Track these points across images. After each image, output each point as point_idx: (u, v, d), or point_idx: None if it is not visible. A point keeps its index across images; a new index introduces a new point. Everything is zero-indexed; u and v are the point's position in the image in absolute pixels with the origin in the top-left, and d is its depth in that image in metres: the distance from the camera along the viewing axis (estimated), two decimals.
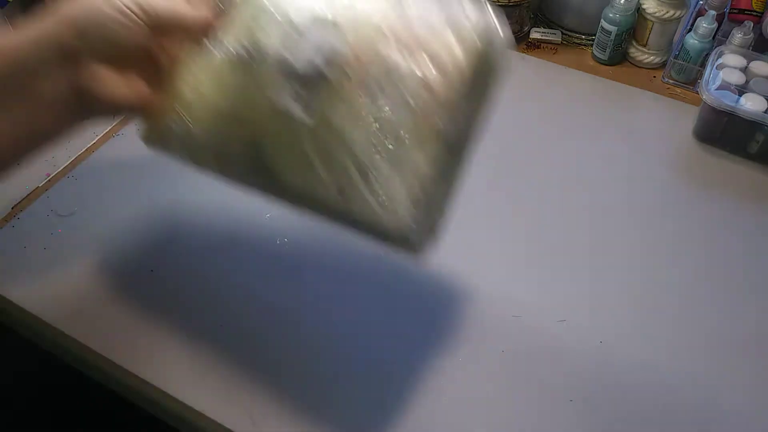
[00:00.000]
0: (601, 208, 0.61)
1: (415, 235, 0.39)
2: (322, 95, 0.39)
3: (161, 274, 0.55)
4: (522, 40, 0.78)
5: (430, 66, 0.37)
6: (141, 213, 0.59)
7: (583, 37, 0.77)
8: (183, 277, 0.54)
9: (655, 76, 0.74)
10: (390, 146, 0.38)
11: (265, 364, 0.50)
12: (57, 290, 0.54)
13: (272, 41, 0.40)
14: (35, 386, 0.72)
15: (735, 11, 0.72)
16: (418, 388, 0.48)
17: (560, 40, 0.77)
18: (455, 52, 0.37)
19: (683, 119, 0.69)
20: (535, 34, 0.77)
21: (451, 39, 0.37)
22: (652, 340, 0.52)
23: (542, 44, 0.77)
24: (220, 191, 0.61)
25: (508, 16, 0.75)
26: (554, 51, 0.77)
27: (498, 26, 0.39)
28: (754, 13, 0.71)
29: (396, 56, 0.38)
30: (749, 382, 0.49)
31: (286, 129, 0.39)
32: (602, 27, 0.72)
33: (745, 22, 0.68)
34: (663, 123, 0.69)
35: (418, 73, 0.37)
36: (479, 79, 0.39)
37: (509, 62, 0.41)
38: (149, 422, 0.52)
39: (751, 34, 0.68)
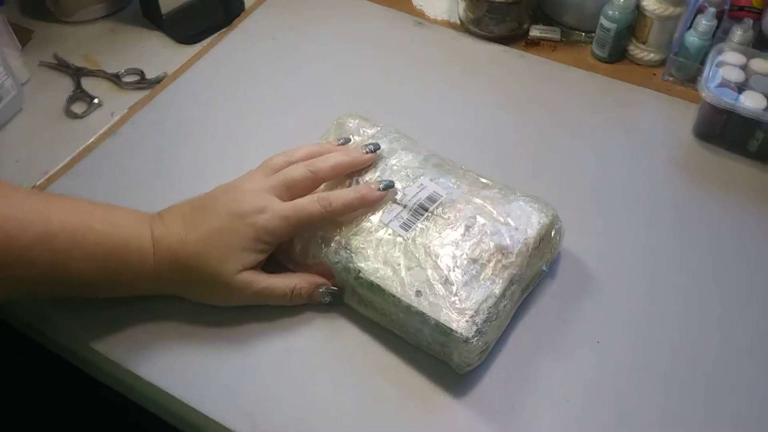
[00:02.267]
0: (598, 206, 0.61)
1: (476, 339, 0.45)
2: (420, 220, 0.50)
3: None
4: (521, 38, 0.77)
5: (506, 236, 0.49)
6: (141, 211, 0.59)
7: (583, 34, 0.77)
8: None
9: (654, 74, 0.73)
10: (468, 267, 0.48)
11: (264, 363, 0.50)
12: None
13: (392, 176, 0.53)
14: (34, 383, 0.72)
15: (735, 8, 0.71)
16: (413, 386, 0.48)
17: (559, 37, 0.77)
18: (529, 230, 0.50)
19: (683, 117, 0.68)
20: (535, 32, 0.77)
21: (531, 220, 0.51)
22: (650, 339, 0.51)
23: (541, 42, 0.77)
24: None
25: (507, 14, 0.75)
26: (553, 48, 0.76)
27: (557, 214, 0.53)
28: (754, 11, 0.70)
29: (484, 219, 0.50)
30: (748, 382, 0.49)
31: (380, 236, 0.49)
32: (602, 24, 0.72)
33: (745, 19, 0.68)
34: (662, 121, 0.69)
35: (494, 241, 0.49)
36: (542, 244, 0.51)
37: (562, 235, 0.53)
38: (148, 420, 0.52)
39: (751, 32, 0.68)
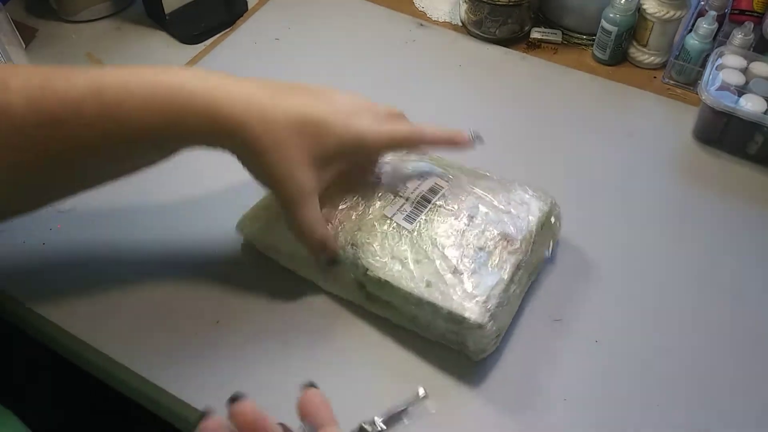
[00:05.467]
0: (598, 208, 0.61)
1: (490, 324, 0.46)
2: (423, 212, 0.50)
3: (159, 270, 0.55)
4: (522, 40, 0.78)
5: (509, 224, 0.50)
6: (140, 210, 0.59)
7: (584, 37, 0.77)
8: (181, 274, 0.55)
9: (655, 77, 0.74)
10: (475, 255, 0.48)
11: (263, 360, 0.50)
12: (55, 286, 0.54)
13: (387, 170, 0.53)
14: (34, 381, 0.72)
15: (736, 12, 0.72)
16: (408, 382, 0.49)
17: (561, 39, 0.77)
18: (530, 217, 0.51)
19: (683, 120, 0.68)
20: (536, 34, 0.77)
21: (531, 208, 0.52)
22: (647, 340, 0.52)
23: (542, 44, 0.77)
24: (221, 189, 0.61)
25: (509, 16, 0.75)
26: (554, 51, 0.77)
27: (555, 201, 0.54)
28: (755, 14, 0.70)
29: (486, 208, 0.51)
30: (747, 383, 0.49)
31: (385, 230, 0.49)
32: (602, 27, 0.72)
33: (746, 22, 0.68)
34: (663, 124, 0.69)
35: (498, 229, 0.50)
36: (543, 229, 0.52)
37: (560, 220, 0.55)
38: (145, 417, 0.52)
39: (752, 35, 0.68)
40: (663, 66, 0.74)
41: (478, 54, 0.76)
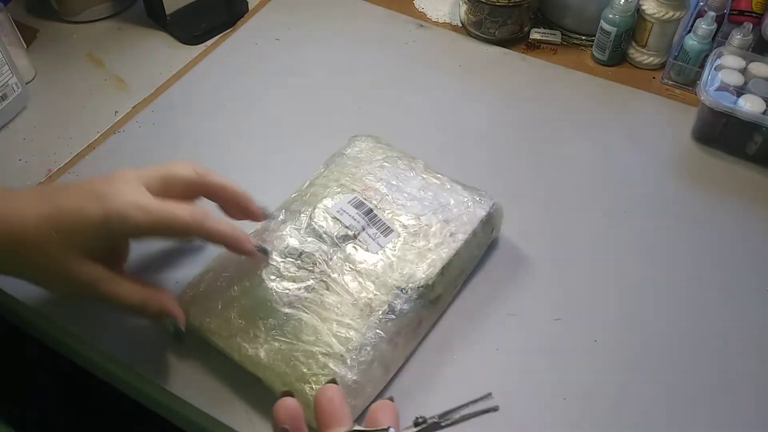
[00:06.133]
0: (598, 208, 0.61)
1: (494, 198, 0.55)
2: (383, 219, 0.52)
3: (160, 270, 0.55)
4: (522, 41, 0.78)
5: (402, 157, 0.58)
6: None
7: (583, 37, 0.77)
8: (182, 274, 0.55)
9: (654, 77, 0.74)
10: (431, 194, 0.54)
11: None
12: None
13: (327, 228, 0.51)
14: (34, 381, 0.72)
15: (735, 12, 0.72)
16: (412, 383, 0.49)
17: (560, 40, 0.77)
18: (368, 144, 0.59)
19: (682, 120, 0.69)
20: (535, 35, 0.78)
21: (369, 144, 0.59)
22: (647, 339, 0.52)
23: (542, 45, 0.78)
24: None
25: (508, 17, 0.75)
26: (554, 51, 0.77)
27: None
28: (754, 15, 0.71)
29: (385, 170, 0.56)
30: (747, 383, 0.50)
31: (393, 254, 0.50)
32: (602, 28, 0.72)
33: (745, 23, 0.68)
34: (662, 124, 0.69)
35: (406, 166, 0.57)
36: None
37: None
38: (149, 418, 0.52)
39: (751, 36, 0.68)
40: (662, 66, 0.74)
41: (477, 54, 0.76)
